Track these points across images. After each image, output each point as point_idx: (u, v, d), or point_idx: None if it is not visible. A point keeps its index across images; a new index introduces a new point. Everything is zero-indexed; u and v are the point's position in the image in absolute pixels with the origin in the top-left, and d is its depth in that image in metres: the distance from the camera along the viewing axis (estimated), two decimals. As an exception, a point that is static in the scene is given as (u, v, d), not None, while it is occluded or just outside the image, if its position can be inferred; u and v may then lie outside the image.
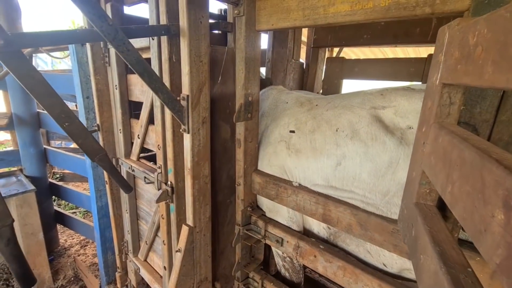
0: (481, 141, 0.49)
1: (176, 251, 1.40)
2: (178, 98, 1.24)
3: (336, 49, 2.65)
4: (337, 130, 1.23)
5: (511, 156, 0.40)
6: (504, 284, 0.32)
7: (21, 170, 2.69)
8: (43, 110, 2.77)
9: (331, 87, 2.11)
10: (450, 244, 0.57)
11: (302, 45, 2.32)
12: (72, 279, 2.66)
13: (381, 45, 1.99)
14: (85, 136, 1.02)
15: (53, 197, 3.04)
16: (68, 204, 3.93)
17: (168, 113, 1.37)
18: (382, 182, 1.07)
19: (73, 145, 4.94)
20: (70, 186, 2.95)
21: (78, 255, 2.87)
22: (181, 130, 1.29)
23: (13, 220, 0.74)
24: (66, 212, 2.95)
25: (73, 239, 3.16)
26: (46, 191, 2.75)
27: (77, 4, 0.85)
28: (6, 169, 2.81)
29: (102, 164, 1.09)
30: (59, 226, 3.11)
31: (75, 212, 3.77)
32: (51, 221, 2.86)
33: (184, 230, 1.40)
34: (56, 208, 2.95)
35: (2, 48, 0.75)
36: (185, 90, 1.24)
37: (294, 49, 2.13)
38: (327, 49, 2.32)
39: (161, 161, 1.48)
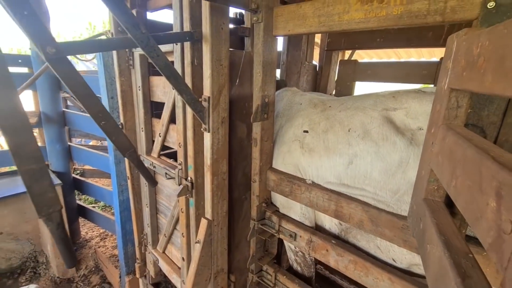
0: (483, 141, 0.55)
1: (196, 243, 1.49)
2: (199, 99, 1.33)
3: (348, 51, 2.69)
4: (349, 130, 1.29)
5: (507, 154, 0.46)
6: (494, 258, 0.38)
7: (47, 165, 2.87)
8: (66, 108, 2.93)
9: (344, 89, 2.16)
10: (454, 235, 0.63)
11: (315, 46, 2.38)
12: (93, 269, 2.82)
13: (394, 48, 2.02)
14: (118, 133, 1.12)
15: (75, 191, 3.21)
16: (87, 198, 4.12)
17: (189, 113, 1.46)
18: (392, 181, 1.12)
19: (92, 143, 5.15)
20: (90, 181, 3.11)
21: (98, 247, 3.02)
22: (202, 129, 1.38)
23: (62, 207, 0.85)
24: (88, 206, 3.11)
25: (93, 231, 3.32)
26: (70, 186, 2.91)
27: (116, 15, 0.94)
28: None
29: (131, 159, 1.19)
30: (80, 219, 3.28)
31: (94, 207, 3.94)
32: (74, 214, 3.02)
33: (203, 223, 1.49)
34: (77, 202, 3.11)
35: (54, 55, 0.85)
36: (206, 92, 1.33)
37: (307, 52, 2.19)
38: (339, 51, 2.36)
39: (181, 158, 1.58)
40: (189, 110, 1.46)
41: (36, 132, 2.70)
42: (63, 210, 2.58)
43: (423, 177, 0.84)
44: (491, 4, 0.77)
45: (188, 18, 1.33)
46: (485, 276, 0.51)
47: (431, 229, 0.68)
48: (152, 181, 1.32)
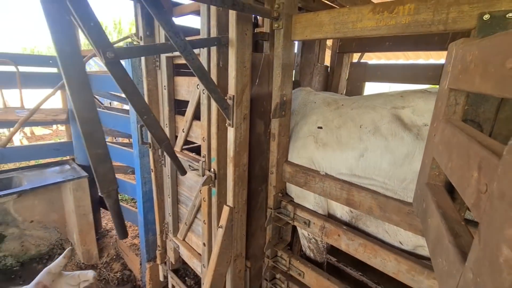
0: (473, 131, 0.68)
1: (219, 227, 1.64)
2: (225, 98, 1.48)
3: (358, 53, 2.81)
4: (361, 127, 1.42)
5: (488, 139, 0.59)
6: (474, 214, 0.52)
7: (73, 159, 3.07)
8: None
9: (354, 89, 2.29)
10: (450, 209, 0.76)
11: (326, 49, 2.51)
12: (114, 257, 3.00)
13: (403, 51, 2.14)
14: (156, 127, 1.28)
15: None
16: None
17: (213, 110, 1.61)
18: (400, 171, 1.25)
19: (109, 139, 5.38)
20: (111, 175, 3.30)
21: (119, 237, 3.20)
22: (226, 124, 1.53)
23: (118, 186, 1.01)
24: (109, 198, 3.29)
25: (112, 222, 3.51)
26: (93, 179, 3.10)
27: (161, 24, 1.10)
28: (58, 158, 3.21)
29: (166, 150, 1.35)
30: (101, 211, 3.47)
31: (112, 200, 4.14)
32: (96, 205, 3.21)
33: (225, 210, 1.64)
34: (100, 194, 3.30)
35: (112, 59, 1.01)
36: (231, 91, 1.48)
37: (319, 54, 2.32)
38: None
39: (205, 151, 1.73)
40: (213, 108, 1.61)
41: (63, 128, 2.90)
42: (90, 201, 2.77)
43: (426, 164, 0.97)
44: (486, 17, 0.89)
45: (215, 25, 1.48)
46: (473, 236, 0.64)
47: (431, 206, 0.81)
48: (183, 170, 1.47)
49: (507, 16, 0.86)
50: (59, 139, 6.91)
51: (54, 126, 9.41)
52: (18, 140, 6.35)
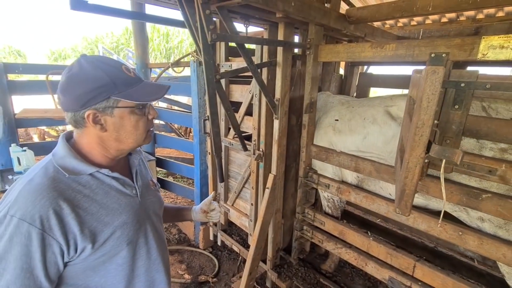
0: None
1: (266, 188, 2.40)
2: (274, 99, 2.23)
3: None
4: (364, 119, 2.14)
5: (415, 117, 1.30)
6: (406, 154, 1.23)
7: (139, 147, 3.92)
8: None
9: (362, 93, 2.98)
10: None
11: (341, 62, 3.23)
12: (171, 224, 3.82)
13: (395, 65, 2.82)
14: (234, 117, 2.05)
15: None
16: (158, 172, 5.20)
17: (262, 108, 2.37)
18: (388, 146, 1.96)
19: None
20: (169, 159, 4.14)
21: (173, 209, 4.03)
22: (274, 118, 2.29)
23: (222, 150, 1.77)
24: (164, 178, 4.13)
25: (165, 199, 4.35)
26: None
27: (242, 54, 1.86)
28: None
29: (237, 133, 2.12)
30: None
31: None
32: (156, 184, 4.06)
33: (271, 176, 2.39)
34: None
35: (218, 79, 1.79)
36: (277, 95, 2.23)
37: (335, 66, 3.04)
38: (360, 64, 3.19)
39: (255, 136, 2.49)
40: (262, 106, 2.37)
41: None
42: (156, 178, 3.60)
43: (399, 138, 1.68)
44: (432, 55, 1.59)
45: (266, 52, 2.24)
46: (412, 166, 1.35)
47: (398, 157, 1.52)
48: (245, 146, 2.24)
49: (443, 55, 1.56)
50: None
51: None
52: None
